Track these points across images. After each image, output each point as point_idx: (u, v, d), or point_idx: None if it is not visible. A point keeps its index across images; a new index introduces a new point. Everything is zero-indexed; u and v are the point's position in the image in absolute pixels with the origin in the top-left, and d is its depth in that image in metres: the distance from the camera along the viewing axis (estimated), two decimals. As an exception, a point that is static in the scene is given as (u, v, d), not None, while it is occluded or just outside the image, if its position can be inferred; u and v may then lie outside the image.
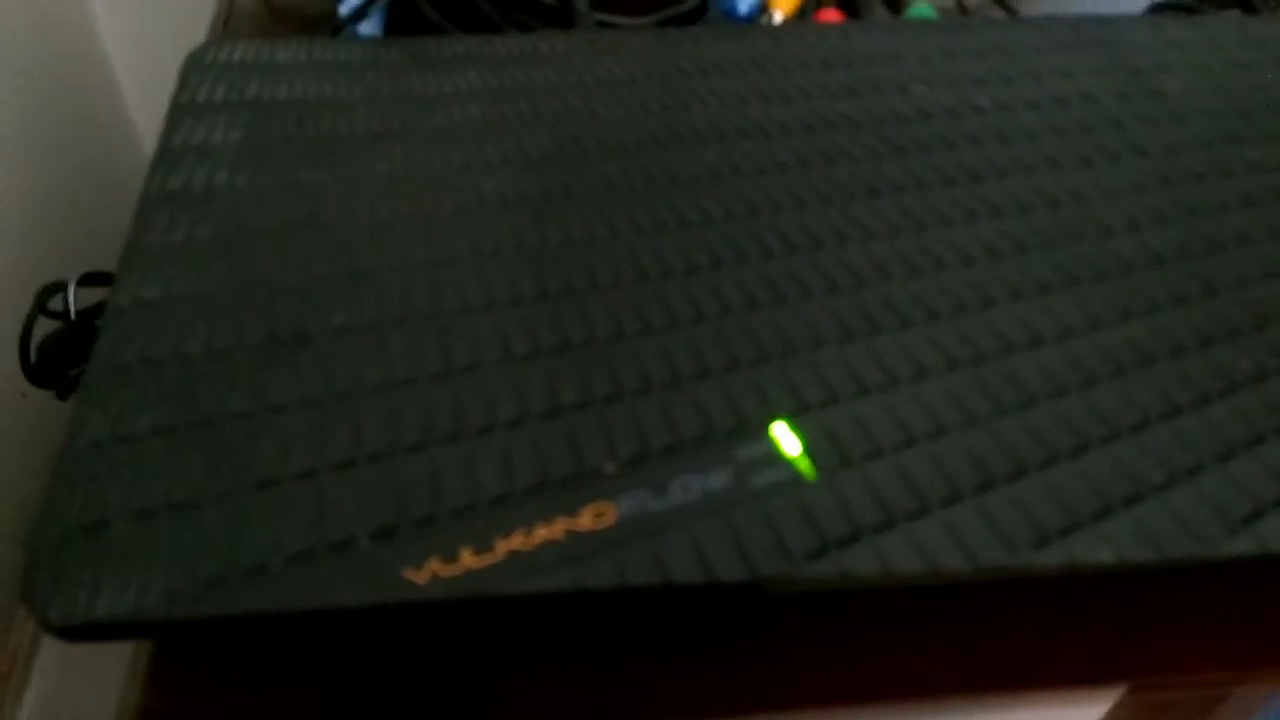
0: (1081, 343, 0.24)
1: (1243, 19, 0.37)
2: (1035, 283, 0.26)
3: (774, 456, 0.22)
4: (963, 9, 0.41)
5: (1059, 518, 0.21)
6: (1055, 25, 0.35)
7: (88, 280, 0.31)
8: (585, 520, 0.20)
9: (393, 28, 0.37)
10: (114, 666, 0.22)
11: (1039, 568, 0.20)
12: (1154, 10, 0.42)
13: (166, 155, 0.28)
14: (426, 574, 0.19)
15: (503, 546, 0.20)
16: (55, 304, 0.32)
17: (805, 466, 0.22)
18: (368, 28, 0.36)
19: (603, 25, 0.37)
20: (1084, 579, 0.24)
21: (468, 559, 0.19)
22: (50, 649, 0.22)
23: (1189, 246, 0.27)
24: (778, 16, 0.39)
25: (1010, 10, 0.41)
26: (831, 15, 0.39)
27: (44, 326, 0.31)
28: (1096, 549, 0.20)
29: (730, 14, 0.38)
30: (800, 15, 0.39)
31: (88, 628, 0.18)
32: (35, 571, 0.19)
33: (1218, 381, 0.24)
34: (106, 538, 0.19)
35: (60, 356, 0.32)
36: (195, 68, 0.32)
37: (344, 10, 0.36)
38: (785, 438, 0.22)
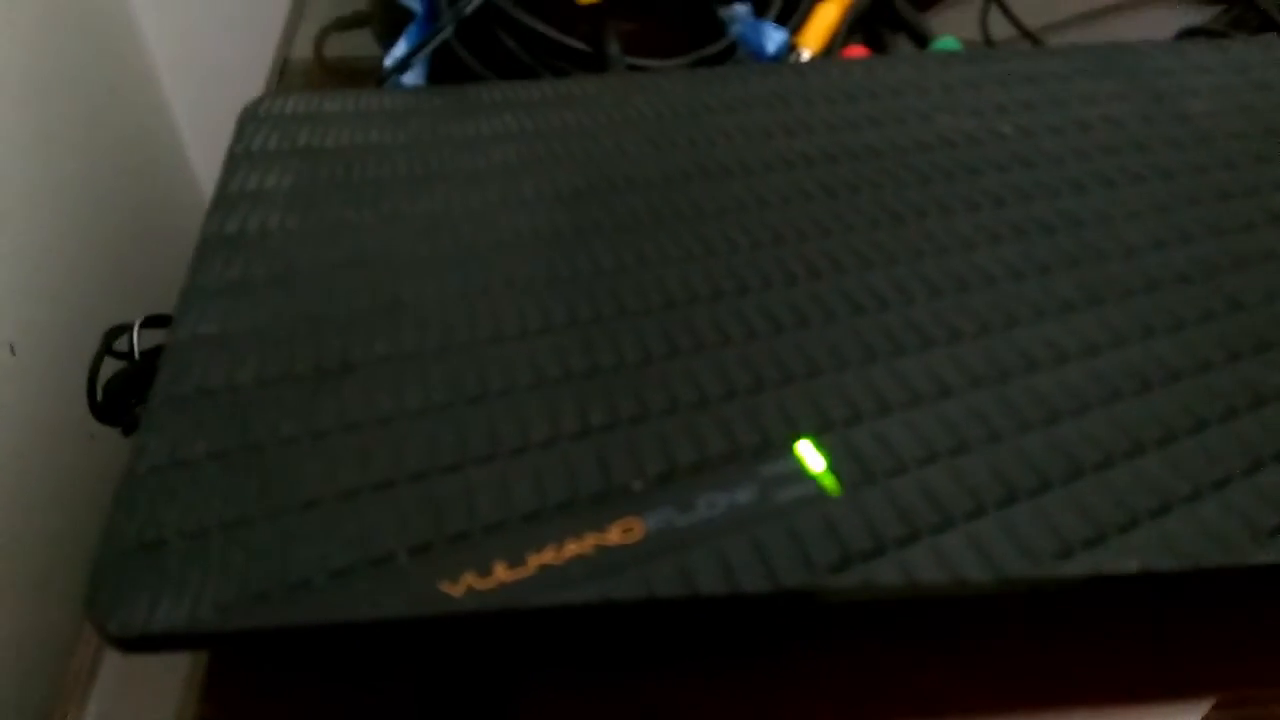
0: (1106, 359, 0.25)
1: (1268, 42, 0.37)
2: (1059, 302, 0.26)
3: (798, 473, 0.22)
4: (989, 41, 0.42)
5: (1083, 530, 0.21)
6: (1078, 53, 0.35)
7: (151, 322, 0.32)
8: (614, 535, 0.21)
9: (435, 76, 0.39)
10: (172, 683, 0.23)
11: (1063, 578, 0.20)
12: (1181, 37, 0.42)
13: (223, 200, 0.30)
14: (461, 587, 0.20)
15: (534, 561, 0.20)
16: (121, 345, 0.34)
17: (829, 482, 0.22)
18: (411, 77, 0.38)
19: (634, 68, 0.38)
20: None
21: (501, 573, 0.20)
22: (111, 668, 0.24)
23: (1215, 264, 0.27)
24: (806, 55, 0.40)
25: (1036, 41, 0.42)
26: (858, 51, 0.40)
27: (110, 367, 0.33)
28: (1121, 559, 0.21)
29: (759, 54, 0.39)
30: (827, 53, 0.40)
31: (145, 639, 0.19)
32: (97, 587, 0.20)
33: (1245, 395, 0.24)
34: (163, 555, 0.21)
35: (125, 394, 0.33)
36: (250, 119, 0.34)
37: (388, 61, 0.38)
38: (809, 455, 0.23)
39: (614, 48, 0.38)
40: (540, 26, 0.38)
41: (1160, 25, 0.46)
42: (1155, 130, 0.31)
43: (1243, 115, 0.32)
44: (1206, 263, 0.27)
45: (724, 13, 0.41)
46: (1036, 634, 0.24)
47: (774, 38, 0.38)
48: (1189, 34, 0.43)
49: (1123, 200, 0.29)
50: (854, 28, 0.42)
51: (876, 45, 0.41)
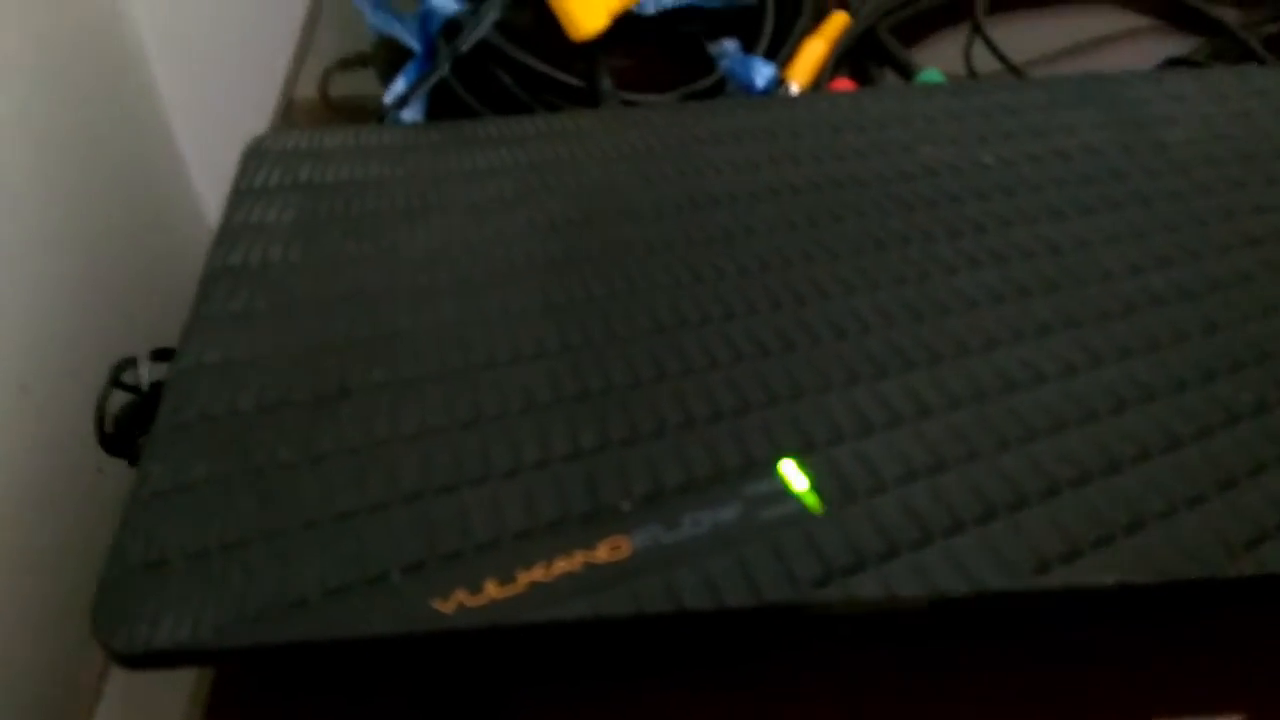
0: (1083, 380, 0.25)
1: (1245, 71, 0.38)
2: (1037, 324, 0.27)
3: (782, 492, 0.23)
4: (973, 74, 0.43)
5: (1060, 545, 0.22)
6: (1058, 84, 0.36)
7: (159, 355, 0.33)
8: (602, 553, 0.22)
9: (434, 113, 0.40)
10: (176, 701, 0.23)
11: (1039, 591, 0.21)
12: (1163, 68, 0.43)
13: (227, 234, 0.31)
14: (453, 604, 0.21)
15: (524, 578, 0.21)
16: (129, 378, 0.34)
17: (812, 501, 0.23)
18: (410, 114, 0.39)
19: (626, 103, 0.39)
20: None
21: (492, 590, 0.21)
22: (116, 688, 0.24)
23: (1190, 287, 0.28)
24: (794, 88, 0.41)
25: (1019, 74, 0.43)
26: (845, 85, 0.41)
27: (119, 400, 0.33)
28: (1097, 574, 0.21)
29: (748, 89, 0.40)
30: (815, 87, 0.41)
31: (148, 656, 0.20)
32: (102, 606, 0.21)
33: (1219, 414, 0.24)
34: (166, 575, 0.21)
35: (132, 426, 0.34)
36: (254, 155, 0.35)
37: (388, 98, 0.39)
38: (793, 474, 0.23)
39: (607, 83, 0.39)
40: (535, 63, 0.39)
41: (1144, 57, 0.47)
42: (1133, 158, 0.32)
43: (1219, 143, 0.33)
44: (1182, 286, 0.28)
45: (713, 49, 0.42)
46: (1024, 653, 0.25)
47: (763, 72, 0.40)
48: (1171, 64, 0.44)
49: (1101, 226, 0.30)
50: (841, 62, 0.43)
51: (863, 79, 0.43)
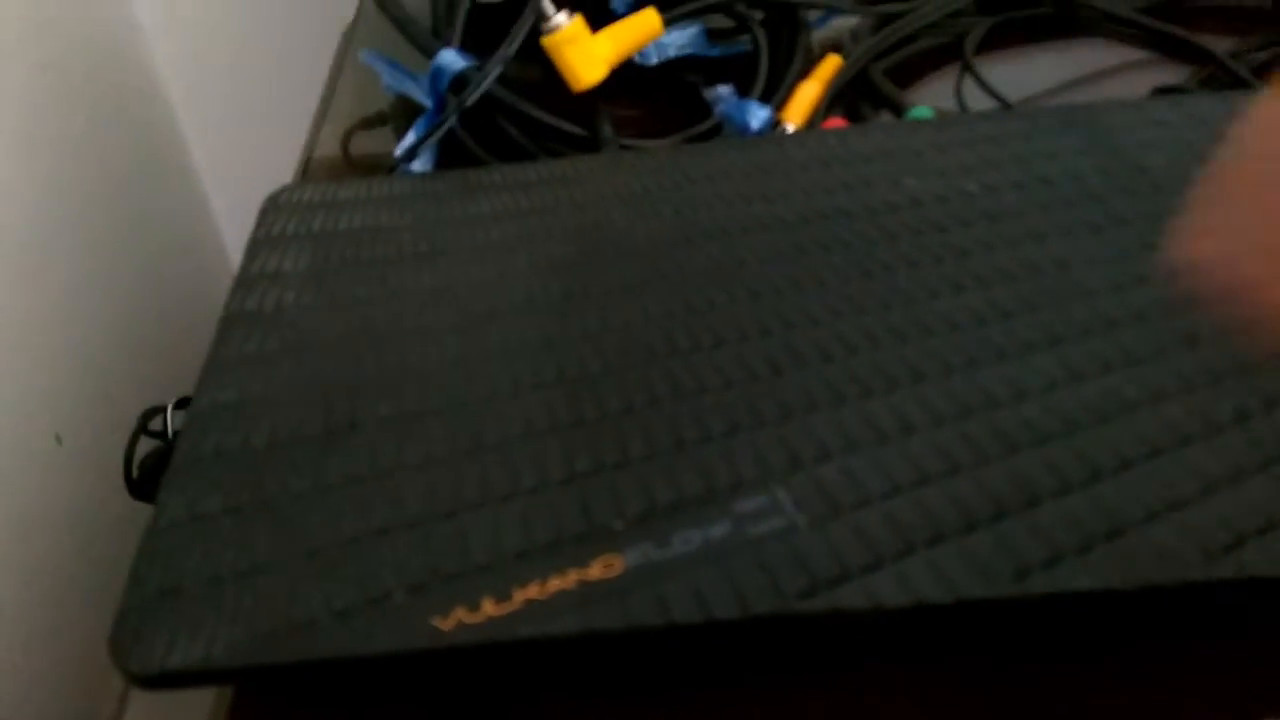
0: (1064, 394, 0.26)
1: (1225, 95, 0.39)
2: (1019, 343, 0.27)
3: (769, 508, 0.24)
4: (964, 109, 0.44)
5: (1040, 552, 0.22)
6: (1041, 114, 0.37)
7: (184, 404, 0.35)
8: (595, 571, 0.22)
9: (444, 163, 0.42)
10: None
11: (1020, 597, 0.21)
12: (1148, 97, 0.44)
13: (244, 281, 0.33)
14: (452, 622, 0.21)
15: (520, 596, 0.22)
16: (156, 425, 0.36)
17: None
18: (420, 164, 0.41)
19: (626, 148, 0.41)
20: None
21: (489, 608, 0.22)
22: (138, 705, 0.25)
23: (1171, 304, 0.28)
24: (790, 128, 0.42)
25: (1008, 107, 0.44)
26: (837, 124, 0.42)
27: (147, 447, 0.35)
28: (1076, 578, 0.22)
29: (744, 132, 0.42)
30: (809, 127, 0.43)
31: (163, 676, 0.21)
32: (120, 629, 0.22)
33: (1199, 424, 0.25)
34: (180, 600, 0.22)
35: (158, 471, 0.35)
36: (271, 208, 0.37)
37: (398, 151, 0.40)
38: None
39: (608, 130, 0.41)
40: (538, 113, 0.41)
41: (1135, 90, 0.48)
42: (1113, 182, 0.33)
43: (1200, 165, 0.34)
44: (1163, 303, 0.28)
45: (708, 94, 0.43)
46: (1024, 665, 0.25)
47: (757, 115, 0.41)
48: (1160, 93, 0.45)
49: (1081, 248, 0.30)
50: (835, 103, 0.44)
51: (856, 119, 0.44)
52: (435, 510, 0.24)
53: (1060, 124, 0.36)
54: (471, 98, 0.39)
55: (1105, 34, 0.52)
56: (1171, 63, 0.50)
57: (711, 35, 0.49)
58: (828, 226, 0.32)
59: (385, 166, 0.42)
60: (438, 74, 0.40)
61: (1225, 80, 0.47)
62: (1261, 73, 0.47)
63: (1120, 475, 0.24)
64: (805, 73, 0.45)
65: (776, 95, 0.43)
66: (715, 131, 0.42)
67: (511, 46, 0.39)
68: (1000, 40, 0.51)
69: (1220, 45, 0.49)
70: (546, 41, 0.40)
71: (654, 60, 0.48)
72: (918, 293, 0.29)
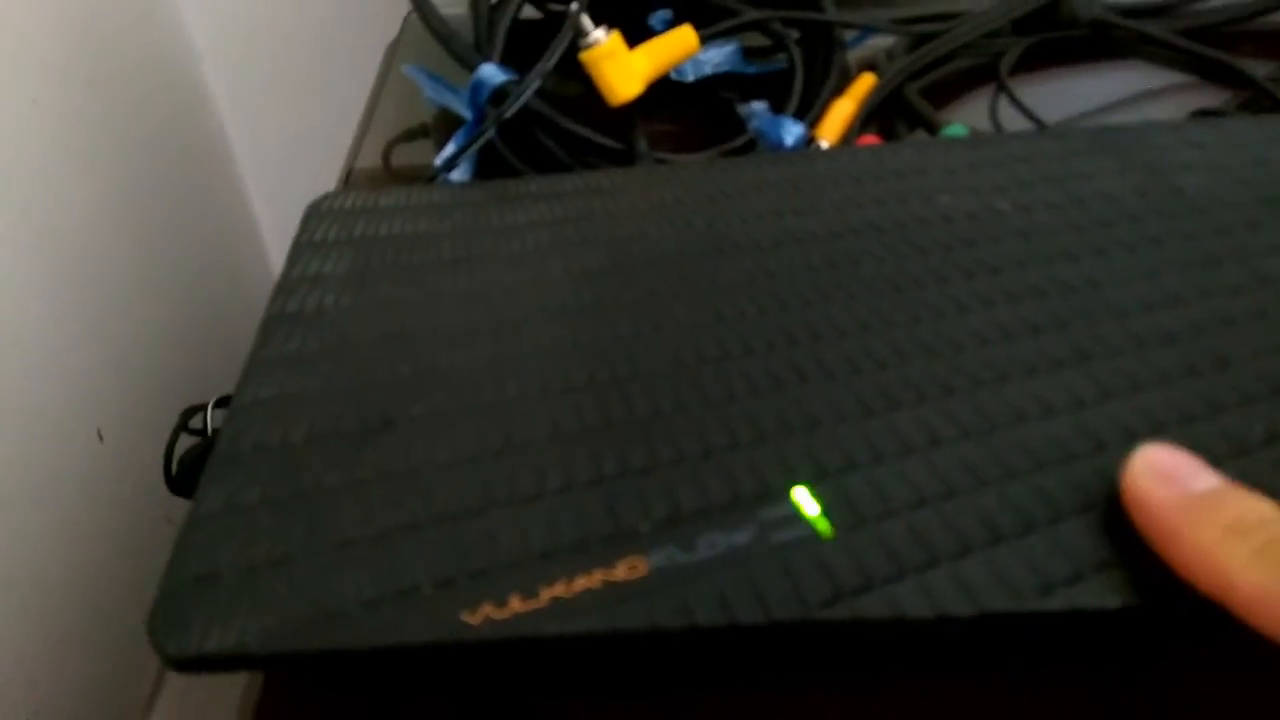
0: (1093, 412, 0.26)
1: (1265, 119, 0.39)
2: (1049, 360, 0.27)
3: (794, 517, 0.24)
4: (998, 129, 0.44)
5: (1065, 569, 0.22)
6: (1076, 134, 0.37)
7: (224, 402, 0.36)
8: (620, 572, 0.23)
9: (481, 172, 0.43)
10: (223, 712, 0.25)
11: (1043, 613, 0.21)
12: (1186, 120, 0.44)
13: (286, 284, 0.34)
14: (480, 616, 0.22)
15: (546, 594, 0.22)
16: (196, 423, 0.37)
17: (823, 525, 0.24)
18: (459, 174, 0.41)
19: (660, 163, 0.41)
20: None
21: (516, 604, 0.22)
22: (169, 696, 0.26)
23: (1202, 324, 0.28)
24: (824, 145, 0.43)
25: (1044, 127, 0.44)
26: (870, 141, 0.43)
27: (184, 445, 0.36)
28: (1102, 595, 0.22)
29: (778, 147, 0.42)
30: (843, 144, 0.43)
31: (198, 659, 0.22)
32: (158, 614, 0.23)
33: (1229, 445, 0.25)
34: (216, 587, 0.23)
35: (197, 468, 0.36)
36: (314, 214, 0.37)
37: (438, 161, 0.41)
38: (805, 500, 0.24)
39: (642, 145, 0.41)
40: (574, 127, 0.41)
41: (1173, 113, 0.48)
42: (1148, 202, 0.33)
43: (1236, 187, 0.34)
44: (1194, 323, 0.28)
45: (742, 109, 0.44)
46: (1043, 673, 0.25)
47: (792, 131, 0.41)
48: (1198, 116, 0.45)
49: (1114, 267, 0.31)
50: (869, 120, 0.45)
51: (890, 136, 0.44)
52: (464, 508, 0.25)
53: (1095, 145, 0.36)
54: (510, 110, 0.40)
55: (1143, 56, 0.52)
56: (1210, 86, 0.50)
57: (748, 53, 0.49)
58: (858, 241, 0.32)
59: (425, 177, 0.43)
60: (478, 87, 0.41)
61: (1265, 104, 0.47)
62: (1303, 98, 0.46)
63: (1147, 493, 0.24)
64: (840, 90, 0.45)
65: (811, 112, 0.44)
66: (750, 147, 0.43)
67: (550, 61, 0.40)
68: (1037, 61, 0.51)
69: (1260, 69, 0.48)
70: (584, 56, 0.41)
71: (690, 77, 0.48)
72: (947, 307, 0.29)
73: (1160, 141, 0.36)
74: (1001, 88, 0.47)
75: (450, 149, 0.42)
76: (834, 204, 0.34)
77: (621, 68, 0.41)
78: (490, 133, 0.40)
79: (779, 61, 0.49)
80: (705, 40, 0.44)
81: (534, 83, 0.40)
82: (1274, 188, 0.34)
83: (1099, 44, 0.52)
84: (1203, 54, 0.50)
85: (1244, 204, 0.33)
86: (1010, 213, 0.33)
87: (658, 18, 0.50)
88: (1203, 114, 0.46)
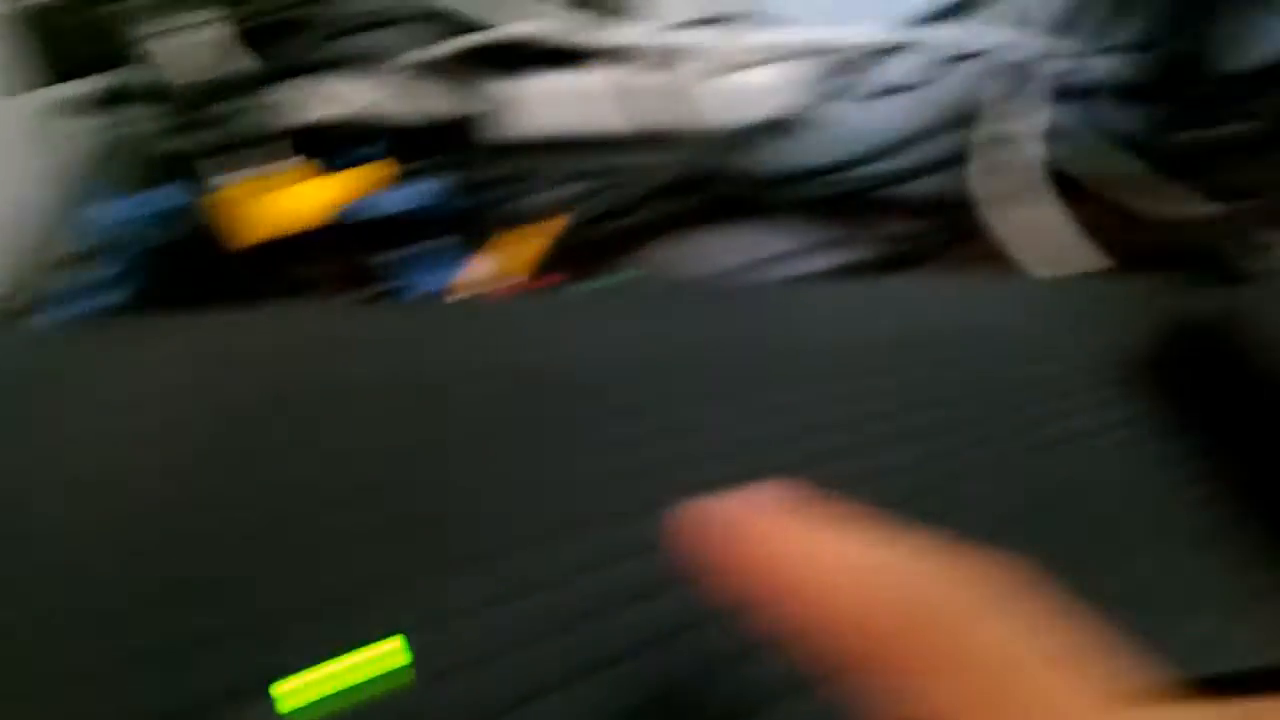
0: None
1: (871, 280, 0.44)
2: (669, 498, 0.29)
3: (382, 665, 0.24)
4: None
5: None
6: (694, 290, 0.40)
7: None
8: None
9: (131, 305, 0.40)
10: None
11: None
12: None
13: None
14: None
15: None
16: None
17: (408, 676, 0.24)
18: (94, 305, 0.39)
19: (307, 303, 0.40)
20: None
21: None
22: None
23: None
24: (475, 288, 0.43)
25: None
26: (551, 280, 0.44)
27: None
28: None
29: (425, 291, 0.42)
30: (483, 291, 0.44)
31: None
32: None
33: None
34: None
35: None
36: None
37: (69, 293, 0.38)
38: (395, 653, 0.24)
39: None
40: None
41: (821, 268, 0.53)
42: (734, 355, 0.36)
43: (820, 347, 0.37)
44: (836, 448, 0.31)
45: (389, 255, 0.44)
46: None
47: (441, 276, 0.42)
48: (823, 276, 0.50)
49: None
50: (554, 262, 0.46)
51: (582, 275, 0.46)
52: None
53: (710, 299, 0.39)
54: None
55: (801, 216, 0.57)
56: (857, 245, 0.56)
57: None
58: (472, 388, 0.33)
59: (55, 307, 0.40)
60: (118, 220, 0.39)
61: (901, 262, 0.53)
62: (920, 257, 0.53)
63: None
64: (517, 233, 0.47)
65: (476, 255, 0.44)
66: (395, 292, 0.43)
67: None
68: (713, 215, 0.55)
69: (898, 229, 0.54)
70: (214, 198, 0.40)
71: (356, 218, 0.48)
72: (574, 453, 0.31)
73: (775, 299, 0.40)
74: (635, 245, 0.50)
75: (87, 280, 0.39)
76: (455, 353, 0.35)
77: (259, 208, 0.40)
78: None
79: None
80: (400, 178, 0.45)
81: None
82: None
83: (757, 205, 0.57)
84: (844, 216, 0.55)
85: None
86: (638, 360, 0.35)
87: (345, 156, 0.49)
88: (842, 271, 0.51)
